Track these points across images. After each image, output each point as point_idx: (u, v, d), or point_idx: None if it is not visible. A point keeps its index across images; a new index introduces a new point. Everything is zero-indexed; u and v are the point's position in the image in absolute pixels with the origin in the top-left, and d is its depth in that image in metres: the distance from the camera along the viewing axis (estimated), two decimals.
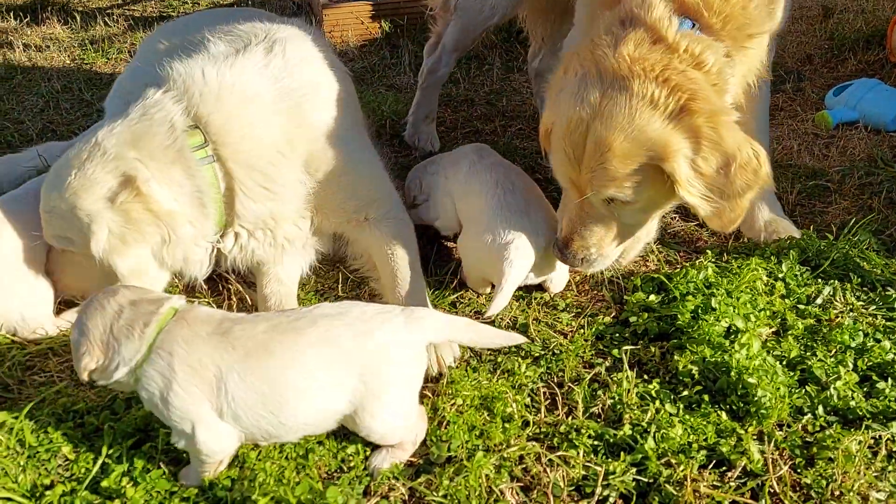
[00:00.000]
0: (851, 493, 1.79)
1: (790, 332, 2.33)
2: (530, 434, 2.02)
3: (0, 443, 1.94)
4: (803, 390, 2.11)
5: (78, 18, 5.87)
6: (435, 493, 1.83)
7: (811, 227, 2.83)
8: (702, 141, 2.00)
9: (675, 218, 3.01)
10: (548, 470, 1.91)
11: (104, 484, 1.84)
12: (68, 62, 5.01)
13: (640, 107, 2.02)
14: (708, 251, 2.72)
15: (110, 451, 1.93)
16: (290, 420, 1.84)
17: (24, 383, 2.26)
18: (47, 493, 1.83)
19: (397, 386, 1.90)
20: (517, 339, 2.16)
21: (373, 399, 1.85)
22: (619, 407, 2.08)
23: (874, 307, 2.43)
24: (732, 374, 2.11)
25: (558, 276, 2.58)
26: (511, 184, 2.59)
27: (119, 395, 2.12)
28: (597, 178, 2.12)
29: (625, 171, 2.08)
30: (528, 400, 2.13)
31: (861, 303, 2.46)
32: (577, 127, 2.11)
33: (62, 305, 2.52)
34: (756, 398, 2.03)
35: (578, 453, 1.93)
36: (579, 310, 2.53)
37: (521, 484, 1.89)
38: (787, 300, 2.47)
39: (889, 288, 2.50)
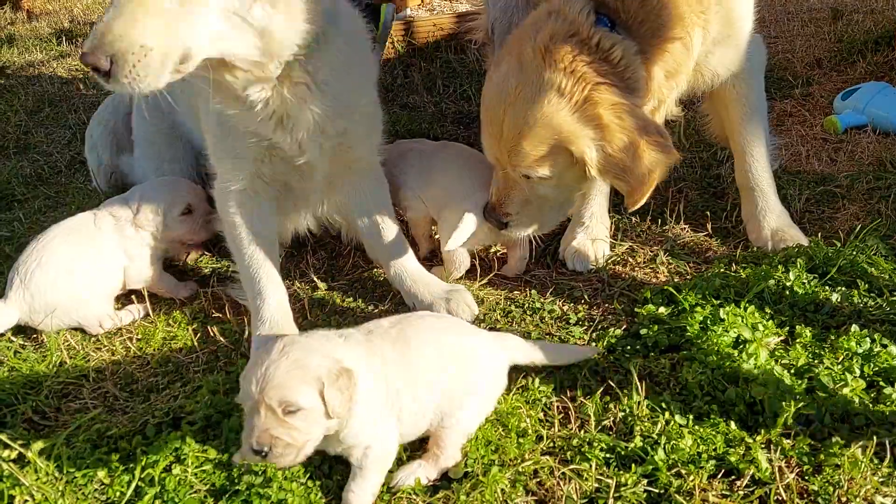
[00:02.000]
0: (857, 499, 1.84)
1: (798, 340, 2.38)
2: (544, 448, 2.09)
3: (39, 469, 2.05)
4: (811, 398, 2.16)
5: None
6: None
7: (819, 234, 2.88)
8: (606, 126, 2.22)
9: (684, 229, 3.06)
10: (561, 483, 1.98)
11: None
12: (94, 93, 5.16)
13: (550, 95, 2.25)
14: (716, 262, 2.77)
15: (143, 475, 2.03)
16: (426, 415, 2.02)
17: (60, 410, 2.38)
18: None
19: (479, 396, 2.09)
20: (590, 351, 2.37)
21: (457, 408, 2.04)
22: (630, 419, 2.14)
23: (881, 313, 2.47)
24: (740, 383, 2.17)
25: (514, 258, 2.90)
26: (465, 159, 2.97)
27: (150, 419, 2.22)
28: (513, 157, 2.40)
29: (536, 153, 2.34)
30: (541, 415, 2.20)
31: (869, 308, 2.50)
32: (497, 110, 2.37)
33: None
34: (763, 407, 2.09)
35: (591, 466, 2.00)
36: (591, 323, 2.60)
37: (536, 497, 1.96)
38: (794, 308, 2.52)
39: None
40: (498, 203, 2.58)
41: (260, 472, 1.95)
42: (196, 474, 2.03)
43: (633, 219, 3.15)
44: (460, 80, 4.92)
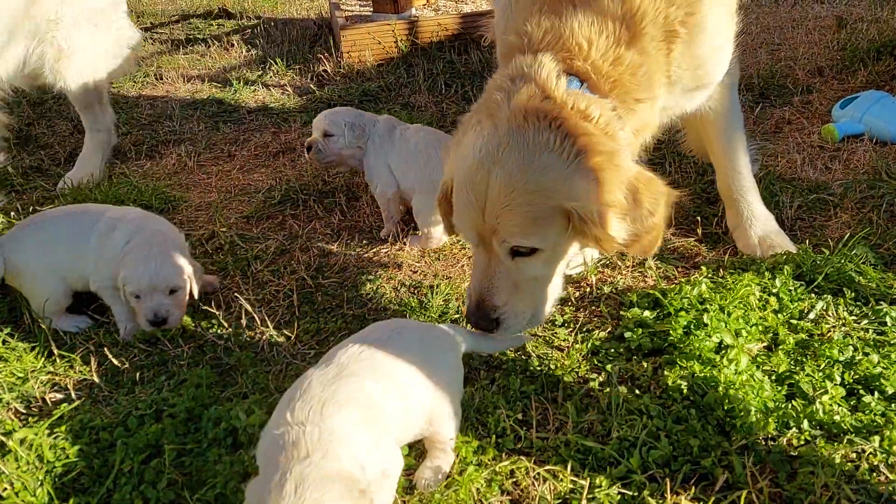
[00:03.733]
0: None
1: (781, 346, 2.38)
2: (522, 448, 2.10)
3: (20, 458, 2.07)
4: (790, 405, 2.16)
5: None
6: None
7: (809, 241, 2.87)
8: (605, 176, 2.01)
9: (675, 234, 3.06)
10: (536, 483, 1.99)
11: (116, 497, 1.96)
12: None
13: (540, 152, 2.02)
14: (703, 267, 2.77)
15: (122, 466, 2.05)
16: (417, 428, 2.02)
17: (45, 401, 2.40)
18: None
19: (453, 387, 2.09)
20: (524, 339, 2.40)
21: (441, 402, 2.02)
22: (608, 422, 2.14)
23: (866, 321, 2.46)
24: (720, 389, 2.17)
25: None
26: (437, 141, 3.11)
27: (133, 411, 2.24)
28: (502, 225, 2.07)
29: (529, 215, 2.05)
30: (520, 415, 2.20)
31: (853, 317, 2.49)
32: (478, 174, 2.08)
33: None
34: (741, 413, 2.09)
35: (566, 467, 2.00)
36: (576, 325, 2.60)
37: (511, 497, 1.97)
38: (779, 315, 2.52)
39: (882, 302, 2.53)
40: (482, 297, 2.18)
41: None
42: (174, 465, 2.05)
43: None
44: (462, 80, 4.94)
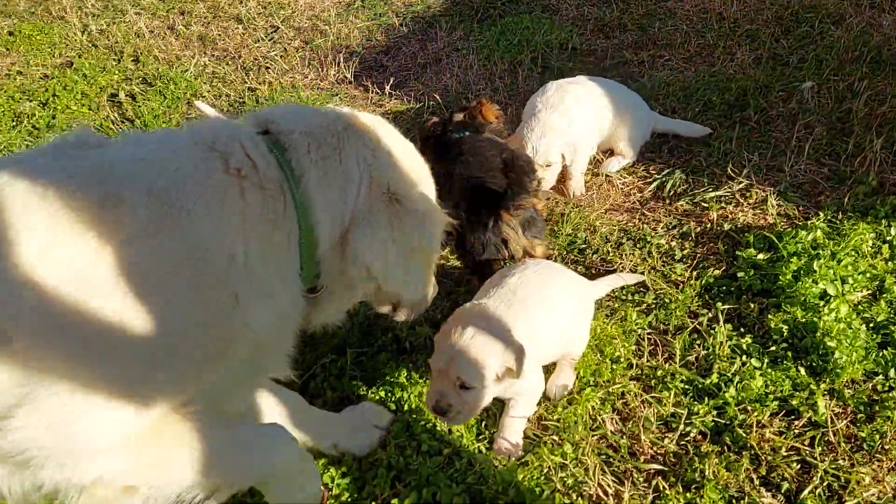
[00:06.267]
0: None
1: (884, 295, 2.59)
2: (633, 375, 2.50)
3: None
4: (882, 352, 2.41)
5: None
6: (551, 417, 2.38)
7: None
8: None
9: (802, 169, 3.21)
10: (643, 406, 2.40)
11: (311, 385, 2.55)
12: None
13: None
14: (825, 208, 2.94)
15: (317, 363, 2.63)
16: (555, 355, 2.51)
17: None
18: None
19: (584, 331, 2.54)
20: (638, 277, 2.79)
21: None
22: (711, 357, 2.49)
23: None
24: (818, 334, 2.45)
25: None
26: None
27: None
28: None
29: None
30: (634, 346, 2.59)
31: None
32: None
33: None
34: (833, 358, 2.38)
35: (670, 395, 2.40)
36: (693, 261, 2.90)
37: (621, 416, 2.40)
38: (890, 263, 2.70)
39: None
40: None
41: None
42: (354, 364, 2.61)
43: (755, 154, 3.32)
44: None
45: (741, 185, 3.18)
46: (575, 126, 3.27)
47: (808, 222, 2.89)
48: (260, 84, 4.50)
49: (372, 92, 4.31)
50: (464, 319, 2.24)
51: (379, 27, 5.07)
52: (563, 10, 4.85)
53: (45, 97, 4.52)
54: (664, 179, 3.30)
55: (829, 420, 2.25)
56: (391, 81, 4.37)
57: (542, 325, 2.35)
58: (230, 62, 4.81)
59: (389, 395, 2.49)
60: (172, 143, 1.67)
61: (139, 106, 4.35)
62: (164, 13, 5.48)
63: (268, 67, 4.68)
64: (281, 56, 4.80)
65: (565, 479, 2.19)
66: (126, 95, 4.49)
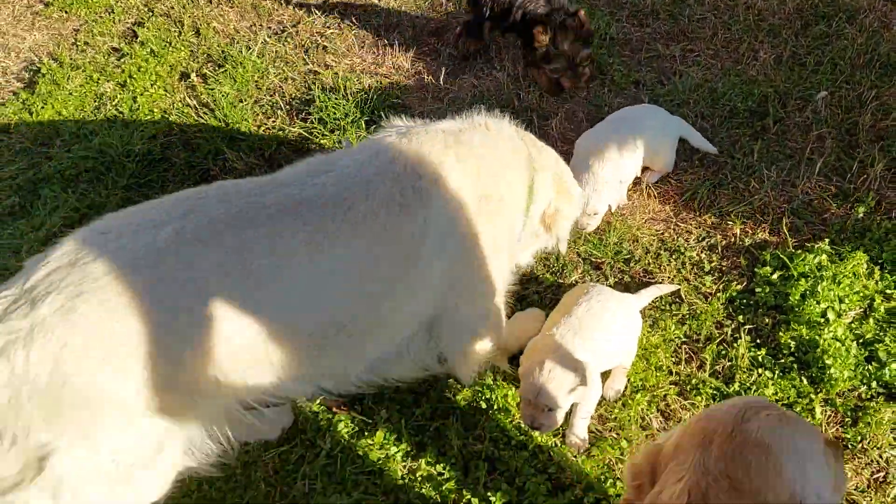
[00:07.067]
0: (874, 449, 2.88)
1: (873, 314, 3.25)
2: (672, 380, 3.19)
3: None
4: (868, 366, 3.10)
5: None
6: (609, 416, 3.10)
7: None
8: None
9: (812, 186, 3.78)
10: (681, 410, 3.11)
11: None
12: None
13: None
14: (828, 228, 3.55)
15: None
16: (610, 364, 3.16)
17: None
18: None
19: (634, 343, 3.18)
20: (672, 287, 3.40)
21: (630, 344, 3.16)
22: (734, 368, 3.18)
23: None
24: (818, 350, 3.13)
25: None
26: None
27: None
28: None
29: None
30: (672, 356, 3.27)
31: None
32: None
33: None
34: (829, 372, 3.07)
35: (702, 399, 3.10)
36: (720, 273, 3.53)
37: (664, 414, 3.11)
38: (879, 283, 3.35)
39: None
40: None
41: None
42: None
43: (772, 169, 3.87)
44: None
45: (760, 202, 3.76)
46: (625, 176, 3.76)
47: (815, 245, 3.49)
48: (320, 67, 4.90)
49: (427, 81, 4.74)
50: (541, 354, 2.90)
51: (426, 2, 5.40)
52: None
53: (121, 78, 4.92)
54: (695, 191, 3.86)
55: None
56: (444, 71, 4.78)
57: (601, 346, 3.02)
58: (288, 39, 5.17)
59: (479, 394, 3.19)
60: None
61: (212, 90, 4.77)
62: None
63: (325, 47, 5.05)
64: (337, 34, 5.15)
65: (623, 469, 2.93)
66: (197, 76, 4.90)
